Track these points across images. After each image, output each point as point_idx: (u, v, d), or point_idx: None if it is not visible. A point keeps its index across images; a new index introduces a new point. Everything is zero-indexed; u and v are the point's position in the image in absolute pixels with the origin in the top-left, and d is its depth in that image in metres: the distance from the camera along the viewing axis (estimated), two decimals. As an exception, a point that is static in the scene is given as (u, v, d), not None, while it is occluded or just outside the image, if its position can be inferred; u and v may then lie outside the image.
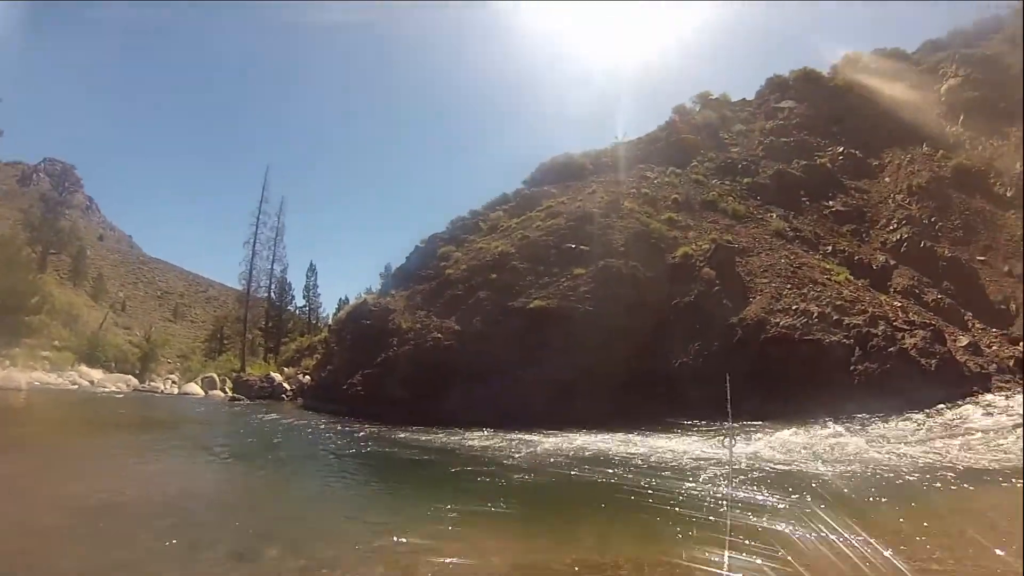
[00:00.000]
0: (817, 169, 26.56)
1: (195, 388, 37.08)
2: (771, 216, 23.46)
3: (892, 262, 22.02)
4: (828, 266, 20.53)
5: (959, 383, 16.00)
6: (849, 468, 9.89)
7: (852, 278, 20.09)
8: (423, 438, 15.55)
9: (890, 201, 25.00)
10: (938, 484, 8.79)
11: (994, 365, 17.31)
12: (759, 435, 13.30)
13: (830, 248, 22.31)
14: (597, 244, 20.53)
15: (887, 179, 26.27)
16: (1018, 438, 11.48)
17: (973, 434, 12.22)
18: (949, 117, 28.54)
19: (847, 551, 5.78)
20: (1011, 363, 17.32)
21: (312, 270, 59.05)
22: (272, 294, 52.77)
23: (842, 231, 23.77)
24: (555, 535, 6.94)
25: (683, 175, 25.84)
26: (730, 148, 28.22)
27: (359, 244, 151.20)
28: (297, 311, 58.32)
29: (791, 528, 6.57)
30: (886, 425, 13.74)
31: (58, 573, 5.78)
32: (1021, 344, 17.95)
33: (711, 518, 7.04)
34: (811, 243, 22.32)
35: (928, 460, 10.30)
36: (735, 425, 13.76)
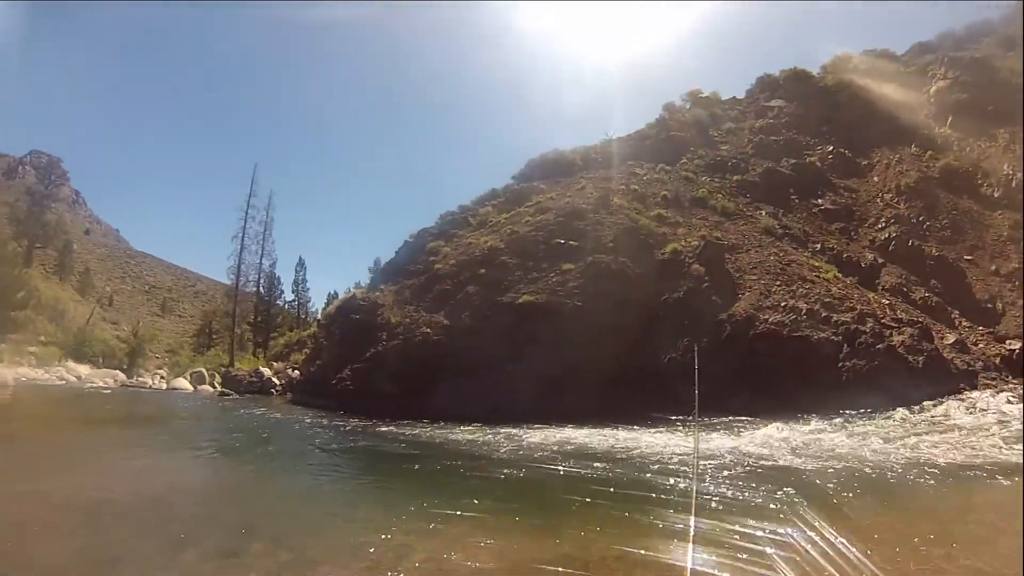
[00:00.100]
0: (806, 168, 26.66)
1: (183, 383, 36.83)
2: (760, 213, 23.55)
3: (880, 260, 22.15)
4: (817, 264, 20.62)
5: (946, 380, 16.14)
6: (830, 464, 9.91)
7: (841, 276, 20.21)
8: (411, 433, 15.53)
9: (879, 200, 25.15)
10: (919, 481, 8.84)
11: (980, 363, 17.48)
12: (745, 430, 13.37)
13: (819, 246, 22.42)
14: (586, 240, 20.50)
15: (876, 178, 26.42)
16: (998, 435, 11.55)
17: (958, 431, 12.30)
18: (938, 118, 28.74)
19: (819, 549, 5.78)
20: (997, 361, 17.50)
21: (301, 264, 58.72)
22: (261, 288, 52.45)
23: (831, 229, 23.89)
24: (541, 531, 6.88)
25: (673, 172, 25.89)
26: (720, 146, 28.30)
27: (348, 239, 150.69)
28: (286, 306, 57.91)
29: (763, 524, 6.52)
30: (872, 422, 13.82)
31: (40, 569, 5.73)
32: (1022, 344, 18.02)
33: (688, 513, 6.81)
34: (800, 241, 22.42)
35: (910, 457, 10.36)
36: (704, 420, 13.82)
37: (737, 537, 6.00)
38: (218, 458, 13.03)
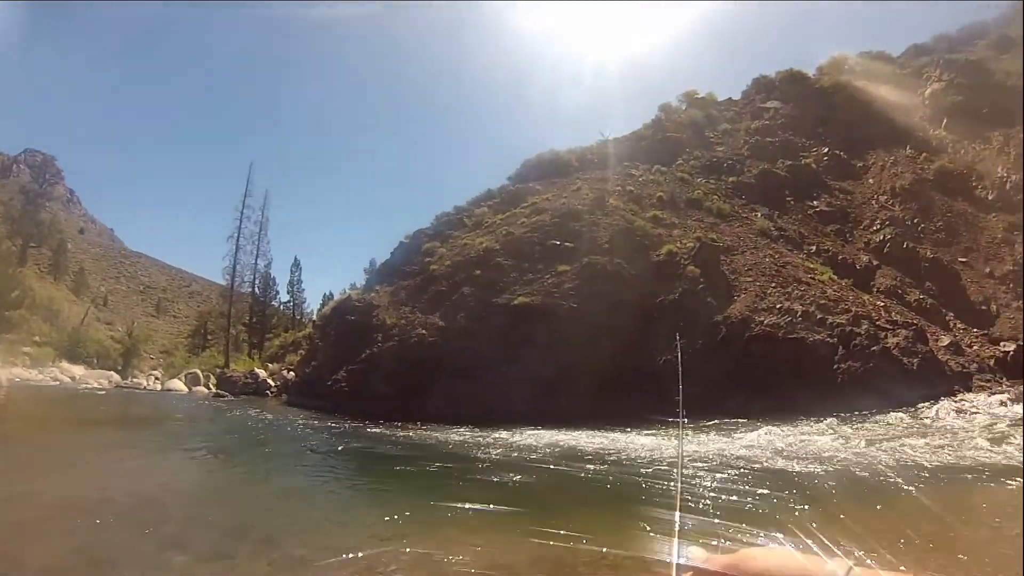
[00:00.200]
0: (802, 169, 26.69)
1: (178, 384, 36.77)
2: (756, 215, 23.56)
3: (875, 262, 22.19)
4: (812, 265, 20.64)
5: (940, 382, 16.18)
6: (822, 467, 9.90)
7: (836, 278, 20.24)
8: (406, 434, 15.54)
9: (874, 202, 25.19)
10: (910, 483, 8.83)
11: (975, 364, 17.50)
12: (738, 432, 13.37)
13: (814, 248, 22.45)
14: (582, 241, 20.49)
15: (871, 180, 26.46)
16: (993, 436, 11.56)
17: (950, 433, 12.30)
18: (933, 120, 28.80)
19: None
20: (991, 363, 17.52)
21: (296, 265, 58.65)
22: (256, 289, 52.30)
23: (826, 231, 23.93)
24: (532, 532, 6.71)
25: (668, 173, 25.88)
26: (715, 147, 28.29)
27: (344, 239, 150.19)
28: (281, 306, 57.84)
29: (751, 527, 6.51)
30: (866, 423, 13.80)
31: (36, 570, 5.71)
32: (1020, 345, 18.05)
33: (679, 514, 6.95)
34: (795, 242, 22.44)
35: (903, 459, 10.34)
36: (697, 422, 13.84)
37: (724, 541, 5.94)
38: (213, 460, 12.98)
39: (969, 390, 15.88)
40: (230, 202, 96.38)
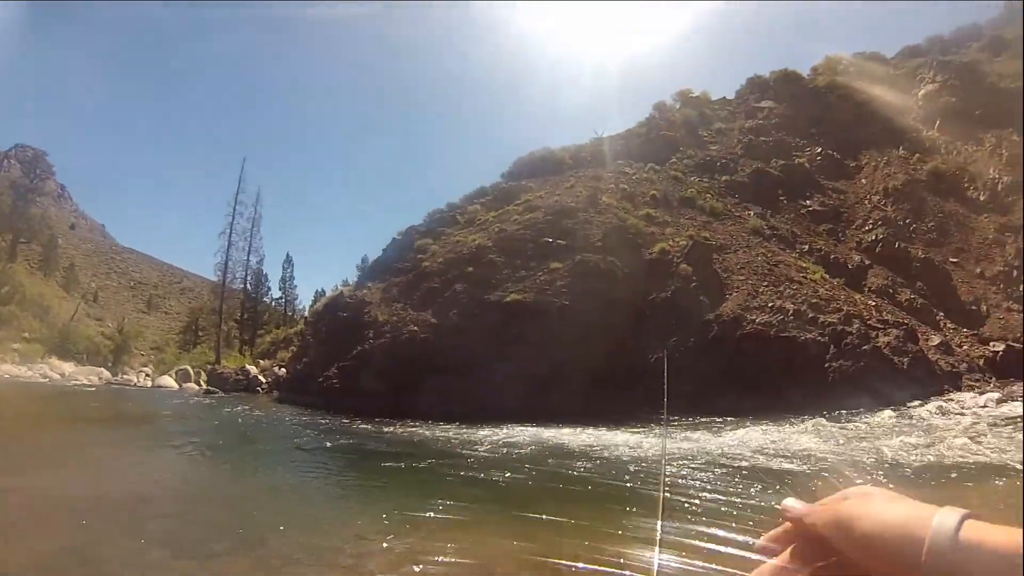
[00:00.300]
0: (795, 169, 26.70)
1: (169, 381, 36.61)
2: (749, 214, 23.57)
3: (867, 262, 22.22)
4: (804, 264, 20.65)
5: (930, 381, 16.21)
6: (806, 465, 9.92)
7: (828, 277, 20.26)
8: (396, 432, 15.57)
9: (866, 202, 25.23)
10: (892, 481, 8.87)
11: (965, 364, 17.54)
12: (729, 430, 13.40)
13: (806, 247, 22.46)
14: (574, 239, 20.45)
15: (864, 180, 26.49)
16: (979, 435, 11.60)
17: (937, 431, 12.33)
18: (926, 121, 28.83)
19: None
20: (981, 362, 17.57)
21: (288, 261, 58.60)
22: (248, 285, 52.24)
23: (819, 230, 23.95)
24: (517, 530, 6.83)
25: (662, 171, 25.86)
26: (709, 146, 28.29)
27: (337, 236, 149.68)
28: (273, 303, 57.80)
29: (734, 526, 6.48)
30: (856, 422, 13.82)
31: (23, 567, 5.68)
32: (1023, 343, 18.16)
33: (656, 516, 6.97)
34: (788, 241, 22.45)
35: (886, 456, 10.39)
36: (689, 419, 13.86)
37: (706, 539, 5.98)
38: (202, 457, 12.95)
39: (959, 389, 15.90)
40: (222, 198, 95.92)
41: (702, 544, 5.91)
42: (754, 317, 17.71)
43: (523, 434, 14.35)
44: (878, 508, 0.63)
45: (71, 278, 74.05)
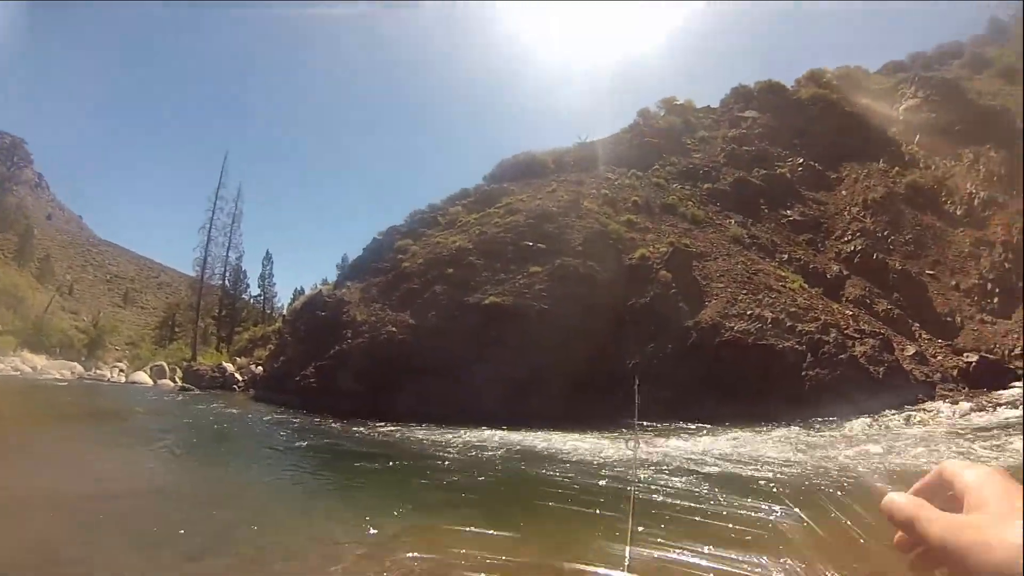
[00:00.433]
0: (777, 178, 26.89)
1: (143, 377, 36.11)
2: (729, 222, 23.67)
3: (845, 272, 22.42)
4: (783, 273, 20.77)
5: (905, 390, 16.32)
6: (778, 471, 9.96)
7: (806, 286, 20.39)
8: (373, 432, 15.53)
9: (846, 213, 25.47)
10: (860, 488, 8.92)
11: (939, 374, 17.75)
12: (706, 437, 13.44)
13: (786, 256, 22.61)
14: (555, 243, 20.40)
15: (844, 192, 26.76)
16: (951, 444, 11.70)
17: (910, 439, 12.41)
18: (906, 136, 29.25)
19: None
20: (955, 373, 17.78)
21: (268, 259, 58.01)
22: (226, 282, 51.54)
23: (798, 240, 24.12)
24: (487, 535, 6.85)
25: (644, 178, 25.88)
26: (692, 154, 28.39)
27: (318, 234, 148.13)
28: (252, 300, 57.17)
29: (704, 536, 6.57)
30: (830, 430, 13.89)
31: (-2, 567, 5.66)
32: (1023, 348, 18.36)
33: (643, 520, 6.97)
34: (768, 250, 22.58)
35: (857, 464, 10.45)
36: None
37: (675, 546, 6.01)
38: (176, 456, 12.83)
39: (932, 399, 16.06)
40: (203, 192, 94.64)
41: (672, 545, 5.96)
42: (732, 325, 17.75)
43: (499, 438, 14.33)
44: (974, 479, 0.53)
45: (46, 269, 72.91)
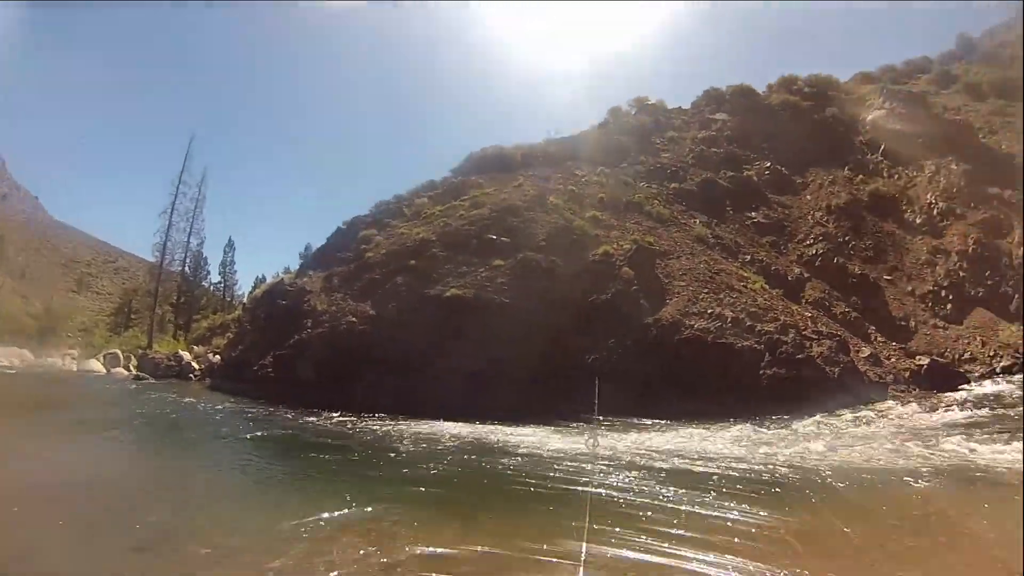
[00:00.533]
0: (743, 181, 27.09)
1: (96, 365, 35.13)
2: (694, 222, 23.76)
3: (806, 275, 22.70)
4: (745, 274, 20.91)
5: (860, 391, 16.53)
6: (730, 468, 10.06)
7: (767, 287, 20.56)
8: (330, 423, 15.52)
9: (809, 217, 25.78)
10: (826, 484, 9.00)
11: (892, 376, 18.06)
12: (664, 433, 13.48)
13: (748, 257, 22.77)
14: (519, 237, 20.32)
15: (808, 197, 27.10)
16: (898, 443, 11.88)
17: (861, 438, 12.56)
18: (870, 145, 29.77)
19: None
20: (907, 375, 18.12)
21: (230, 246, 56.63)
22: (186, 268, 50.28)
23: (762, 242, 24.32)
24: (456, 525, 6.96)
25: (611, 175, 25.86)
26: (661, 153, 28.45)
27: (282, 223, 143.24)
28: (212, 288, 55.84)
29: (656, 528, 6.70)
30: (786, 427, 14.00)
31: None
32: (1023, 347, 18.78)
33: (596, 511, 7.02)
34: (731, 251, 22.72)
35: (781, 461, 10.55)
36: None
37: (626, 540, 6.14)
38: (130, 447, 12.80)
39: (885, 399, 16.29)
40: (166, 176, 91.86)
41: (623, 540, 6.13)
42: (693, 323, 17.79)
43: (456, 430, 14.36)
44: None
45: (-2, 251, 70.41)
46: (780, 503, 8.02)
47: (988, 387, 17.11)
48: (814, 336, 18.11)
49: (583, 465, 10.27)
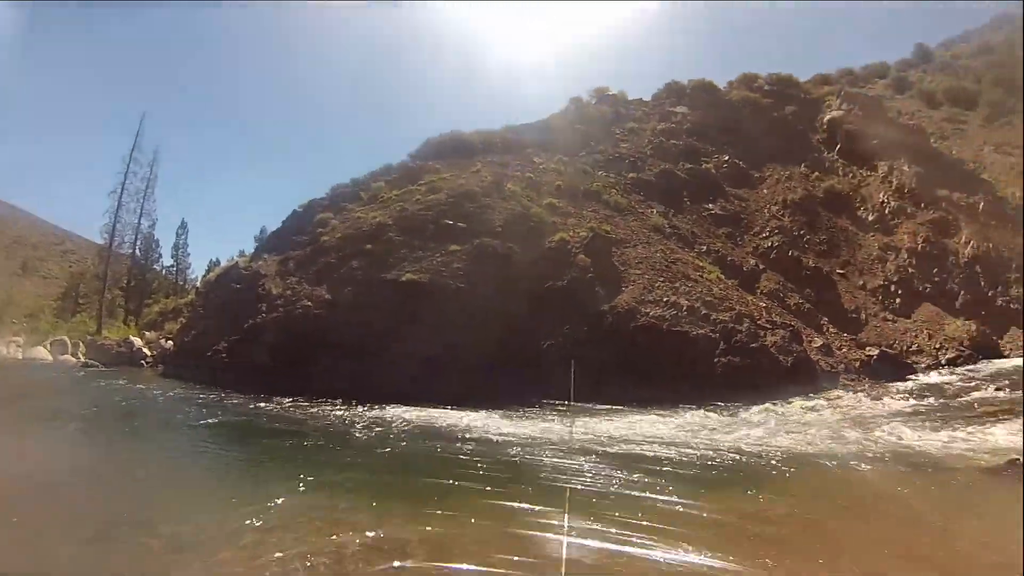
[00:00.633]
0: (701, 173, 27.33)
1: (42, 352, 34.00)
2: (651, 211, 23.88)
3: (761, 266, 23.05)
4: (701, 264, 21.10)
5: (811, 379, 16.85)
6: (684, 453, 10.19)
7: (723, 277, 20.80)
8: (284, 409, 15.43)
9: (765, 211, 26.17)
10: (776, 468, 9.14)
11: (843, 365, 18.54)
12: (618, 419, 13.55)
13: (705, 247, 23.00)
14: (475, 222, 20.22)
15: (765, 191, 27.50)
16: (840, 430, 12.12)
17: (813, 425, 12.81)
18: (827, 144, 30.39)
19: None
20: (857, 365, 18.59)
21: (183, 228, 54.95)
22: (137, 251, 48.64)
23: (718, 233, 24.59)
24: (407, 509, 6.97)
25: (570, 163, 25.83)
26: (620, 143, 28.50)
27: (238, 205, 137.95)
28: (163, 271, 54.28)
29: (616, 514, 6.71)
30: (738, 414, 14.17)
31: None
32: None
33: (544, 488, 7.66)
34: (687, 241, 22.90)
35: (723, 447, 10.72)
36: (577, 405, 13.99)
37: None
38: (79, 438, 12.55)
39: (836, 388, 16.65)
40: (116, 154, 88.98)
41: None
42: (648, 310, 17.88)
43: (411, 415, 14.33)
44: None
45: (-65, 233, 67.60)
46: (716, 487, 8.14)
47: (934, 377, 17.62)
48: (768, 326, 18.36)
49: (533, 449, 10.38)
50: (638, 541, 5.83)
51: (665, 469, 8.98)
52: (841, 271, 23.69)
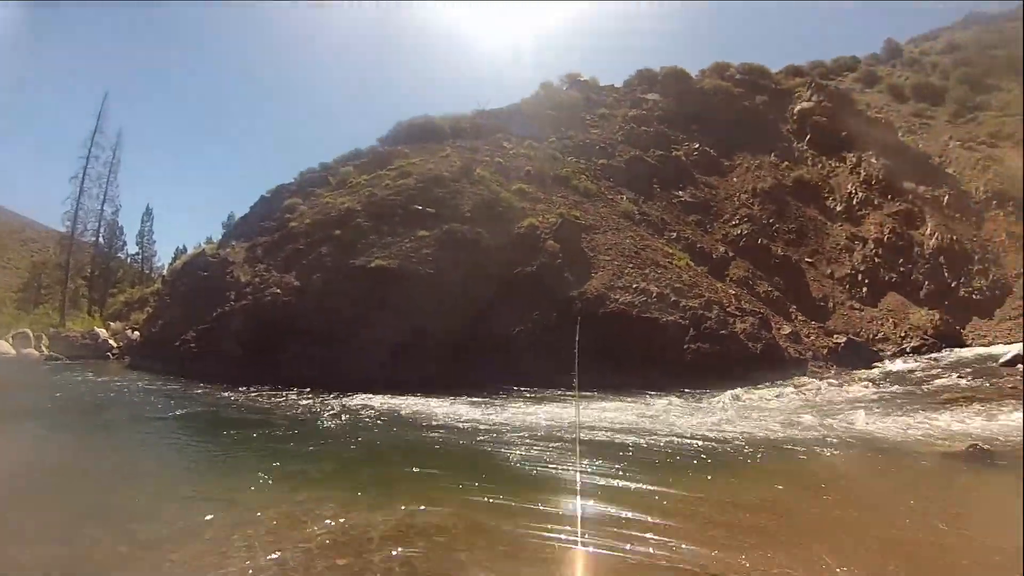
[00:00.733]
0: (672, 160, 27.44)
1: (4, 346, 33.02)
2: (621, 198, 23.92)
3: (730, 254, 23.22)
4: (671, 250, 21.18)
5: (780, 366, 16.99)
6: (664, 438, 10.14)
7: (692, 264, 20.91)
8: (253, 399, 15.28)
9: (735, 199, 26.36)
10: (708, 454, 9.24)
11: (811, 353, 18.73)
12: (586, 405, 13.54)
13: (675, 234, 23.08)
14: (444, 208, 20.09)
15: (735, 179, 27.71)
16: (808, 416, 12.21)
17: (780, 411, 12.87)
18: (797, 134, 30.71)
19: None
20: (824, 352, 18.84)
21: (148, 214, 54.34)
22: (100, 239, 47.30)
23: (688, 220, 24.72)
24: (378, 498, 6.89)
25: (540, 149, 25.77)
26: (591, 129, 28.54)
27: (205, 190, 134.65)
28: (128, 259, 53.33)
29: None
30: (706, 400, 14.21)
31: None
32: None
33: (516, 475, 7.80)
34: (657, 227, 22.95)
35: (678, 432, 10.71)
36: (573, 394, 13.97)
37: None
38: (44, 432, 12.09)
39: (804, 375, 16.78)
40: (76, 138, 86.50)
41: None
42: (618, 297, 17.89)
43: (379, 402, 14.21)
44: None
45: None
46: (686, 473, 8.14)
47: (899, 365, 17.82)
48: (737, 313, 18.48)
49: (504, 436, 10.39)
50: (611, 531, 5.76)
51: (634, 455, 8.96)
52: (809, 260, 23.95)
